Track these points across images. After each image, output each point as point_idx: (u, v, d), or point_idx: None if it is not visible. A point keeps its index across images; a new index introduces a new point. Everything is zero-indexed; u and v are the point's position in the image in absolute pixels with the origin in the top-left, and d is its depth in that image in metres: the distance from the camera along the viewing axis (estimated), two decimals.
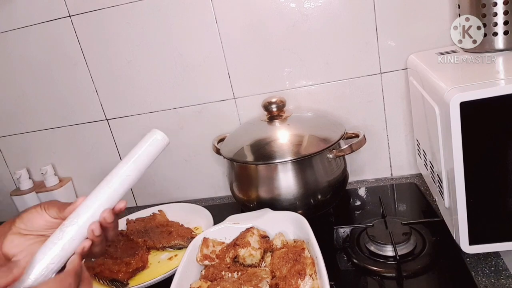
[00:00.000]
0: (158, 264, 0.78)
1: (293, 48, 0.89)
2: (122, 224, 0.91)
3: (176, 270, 0.65)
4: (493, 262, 0.62)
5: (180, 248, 0.80)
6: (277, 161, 0.76)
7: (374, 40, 0.86)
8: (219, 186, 1.04)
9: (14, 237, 0.48)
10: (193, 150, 1.02)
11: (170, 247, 0.81)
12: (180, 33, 0.92)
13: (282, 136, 0.82)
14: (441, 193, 0.65)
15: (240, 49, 0.91)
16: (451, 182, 0.57)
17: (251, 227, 0.71)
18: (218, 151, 0.88)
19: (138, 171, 0.51)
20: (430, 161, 0.72)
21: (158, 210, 0.94)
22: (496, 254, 0.63)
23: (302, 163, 0.77)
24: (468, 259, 0.63)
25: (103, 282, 0.73)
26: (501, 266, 0.61)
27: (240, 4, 0.88)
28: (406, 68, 0.85)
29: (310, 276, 0.58)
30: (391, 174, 0.97)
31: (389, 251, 0.68)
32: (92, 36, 0.95)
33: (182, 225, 0.88)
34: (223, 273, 0.65)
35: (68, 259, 0.47)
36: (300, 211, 0.75)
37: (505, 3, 0.60)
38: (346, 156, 0.82)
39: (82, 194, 0.51)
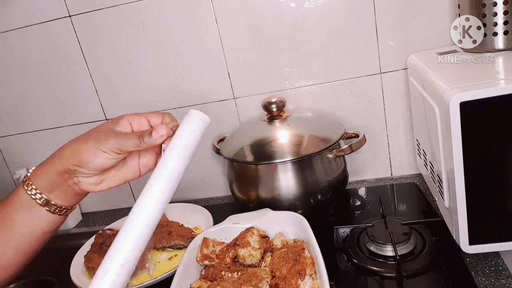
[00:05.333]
0: (158, 264, 0.78)
1: (293, 48, 0.89)
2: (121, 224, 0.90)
3: (176, 270, 0.64)
4: (493, 262, 0.62)
5: (180, 248, 0.80)
6: (277, 161, 0.76)
7: (374, 40, 0.86)
8: (219, 186, 1.04)
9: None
10: None
11: (170, 247, 0.81)
12: (180, 33, 0.92)
13: (282, 136, 0.82)
14: (441, 193, 0.65)
15: (240, 49, 0.91)
16: (451, 182, 0.57)
17: (251, 227, 0.71)
18: (218, 151, 0.88)
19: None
20: (430, 161, 0.72)
21: None
22: (496, 254, 0.63)
23: (302, 163, 0.77)
24: (468, 259, 0.63)
25: None
26: (501, 266, 0.61)
27: (240, 4, 0.88)
28: (406, 68, 0.85)
29: (310, 276, 0.58)
30: (391, 174, 0.97)
31: (389, 251, 0.68)
32: (92, 36, 0.95)
33: (182, 225, 0.87)
34: (223, 273, 0.64)
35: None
36: (300, 211, 0.75)
37: (505, 3, 0.60)
38: (346, 156, 0.82)
39: None
